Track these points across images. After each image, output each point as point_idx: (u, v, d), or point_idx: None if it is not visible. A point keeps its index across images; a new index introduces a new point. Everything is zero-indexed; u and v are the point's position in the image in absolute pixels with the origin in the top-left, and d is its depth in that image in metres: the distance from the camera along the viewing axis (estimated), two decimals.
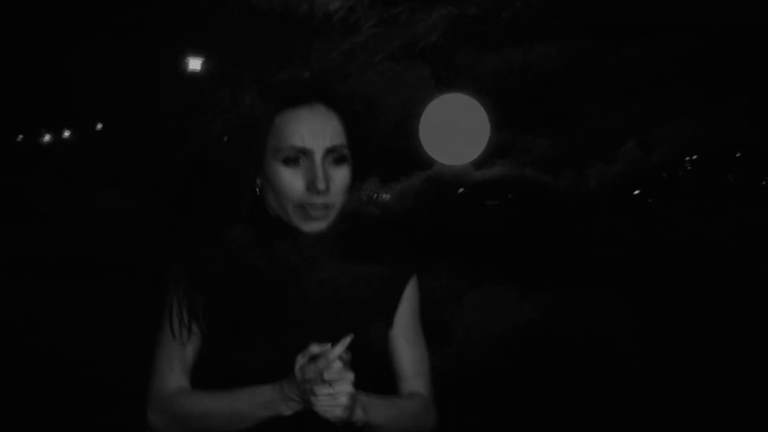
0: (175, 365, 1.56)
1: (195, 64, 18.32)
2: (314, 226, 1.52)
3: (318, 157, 1.49)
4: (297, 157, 1.49)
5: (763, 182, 20.89)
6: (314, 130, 1.49)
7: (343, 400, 1.38)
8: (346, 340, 1.38)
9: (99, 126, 41.57)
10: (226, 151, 1.60)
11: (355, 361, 1.45)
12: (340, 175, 1.52)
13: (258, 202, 1.58)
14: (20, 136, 43.11)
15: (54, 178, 35.51)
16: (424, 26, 11.32)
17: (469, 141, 13.38)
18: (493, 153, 15.27)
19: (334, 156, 1.51)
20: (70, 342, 6.75)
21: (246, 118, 1.56)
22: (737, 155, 21.17)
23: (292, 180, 1.50)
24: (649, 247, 15.38)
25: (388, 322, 1.62)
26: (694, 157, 21.03)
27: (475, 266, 13.29)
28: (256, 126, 1.52)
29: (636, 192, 23.82)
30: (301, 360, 1.38)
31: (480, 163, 15.90)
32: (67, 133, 44.39)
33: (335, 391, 1.37)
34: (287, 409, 1.44)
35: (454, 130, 13.09)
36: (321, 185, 1.47)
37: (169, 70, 18.73)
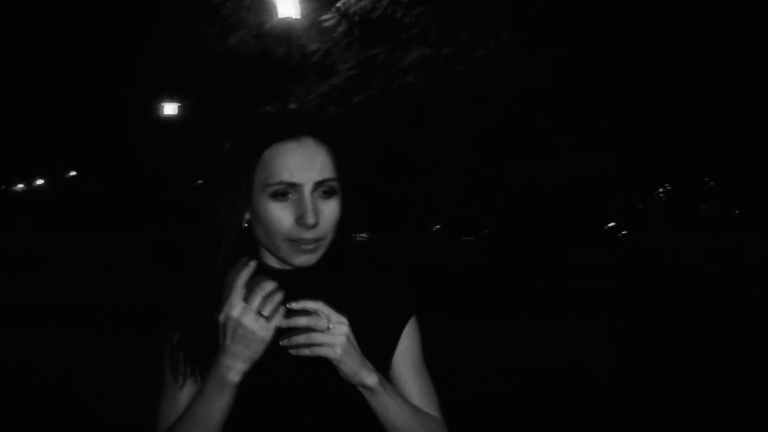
0: (171, 415, 1.55)
1: (171, 108, 18.30)
2: (305, 259, 1.51)
3: (307, 191, 1.48)
4: (286, 191, 1.48)
5: (736, 210, 21.21)
6: (303, 163, 1.48)
7: (341, 338, 1.39)
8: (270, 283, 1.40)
9: (72, 173, 41.46)
10: (214, 186, 1.57)
11: (350, 404, 1.49)
12: (330, 209, 1.51)
13: (246, 236, 1.56)
14: None
15: (29, 225, 35.37)
16: (401, 66, 11.38)
17: None
18: (471, 188, 15.39)
19: (324, 189, 1.50)
20: (49, 387, 6.76)
21: (234, 152, 1.53)
22: (711, 184, 21.55)
23: (281, 214, 1.48)
24: (624, 276, 15.57)
25: (385, 365, 1.60)
26: (668, 187, 21.34)
27: (452, 301, 13.38)
28: (244, 160, 1.50)
29: (610, 225, 24.11)
30: (240, 305, 1.39)
31: (459, 197, 16.01)
32: (40, 182, 44.05)
33: (333, 327, 1.39)
34: (233, 374, 1.42)
35: None
36: (311, 219, 1.46)
37: (144, 114, 18.62)
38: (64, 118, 29.61)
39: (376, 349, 1.56)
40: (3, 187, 42.99)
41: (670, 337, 9.71)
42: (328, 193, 1.51)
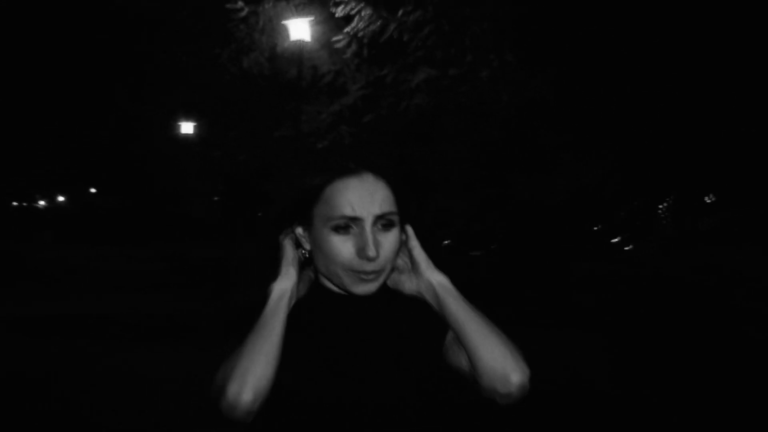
0: None
1: (187, 127, 18.64)
2: (365, 288, 1.56)
3: (368, 224, 1.51)
4: (348, 225, 1.52)
5: (737, 223, 21.30)
6: (363, 198, 1.51)
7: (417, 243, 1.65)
8: None
9: (91, 190, 41.82)
10: (274, 217, 1.66)
11: (424, 402, 1.58)
12: (390, 240, 1.56)
13: (304, 265, 1.64)
14: (15, 203, 42.85)
15: (50, 240, 35.66)
16: (408, 87, 11.64)
17: None
18: (479, 202, 15.63)
19: (383, 222, 1.54)
20: (68, 398, 6.79)
21: (297, 186, 1.59)
22: (712, 200, 21.71)
23: (342, 247, 1.53)
24: (625, 289, 15.72)
25: (437, 366, 1.66)
26: (669, 201, 21.48)
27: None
28: (306, 194, 1.56)
29: (616, 239, 24.27)
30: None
31: (467, 212, 16.22)
32: (61, 198, 44.37)
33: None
34: (269, 288, 1.56)
35: None
36: (371, 252, 1.50)
37: (161, 133, 18.87)
38: (85, 138, 29.98)
39: (426, 356, 1.65)
40: (26, 204, 43.41)
41: (670, 349, 9.84)
42: (388, 226, 1.56)
